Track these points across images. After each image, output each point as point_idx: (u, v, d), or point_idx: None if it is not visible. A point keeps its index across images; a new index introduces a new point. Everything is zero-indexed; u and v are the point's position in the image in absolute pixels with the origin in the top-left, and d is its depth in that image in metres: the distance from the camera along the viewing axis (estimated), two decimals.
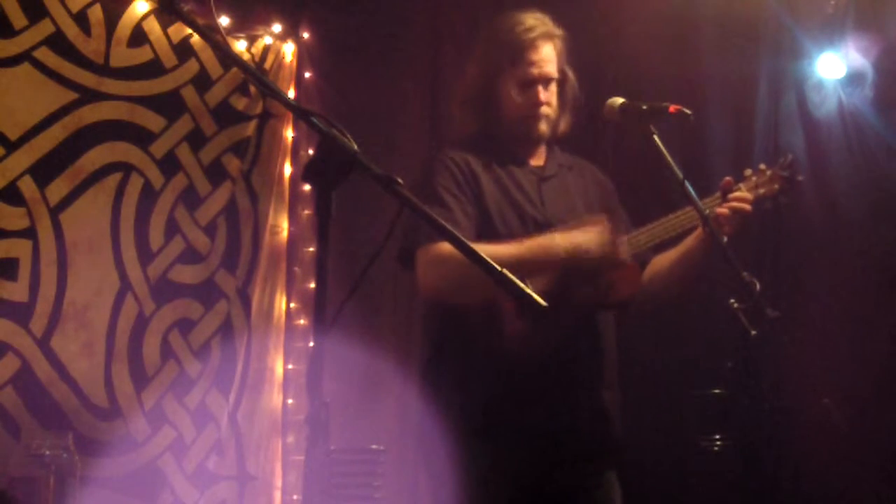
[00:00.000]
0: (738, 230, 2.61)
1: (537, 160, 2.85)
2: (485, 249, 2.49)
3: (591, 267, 2.58)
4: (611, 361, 2.74)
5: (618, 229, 2.64)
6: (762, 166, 2.71)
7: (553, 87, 2.83)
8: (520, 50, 2.78)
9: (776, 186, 2.68)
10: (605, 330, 2.73)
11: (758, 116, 4.19)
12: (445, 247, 2.47)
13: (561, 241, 2.57)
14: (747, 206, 2.61)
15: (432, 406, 2.70)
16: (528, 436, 2.58)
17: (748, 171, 2.71)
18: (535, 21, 2.82)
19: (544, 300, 2.50)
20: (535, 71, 2.78)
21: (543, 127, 2.81)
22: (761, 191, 2.67)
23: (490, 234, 2.64)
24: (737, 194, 2.63)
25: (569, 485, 2.64)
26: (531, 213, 2.71)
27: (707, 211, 2.56)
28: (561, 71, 2.85)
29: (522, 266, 2.51)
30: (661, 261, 2.78)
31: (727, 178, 2.66)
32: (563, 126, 2.88)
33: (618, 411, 2.73)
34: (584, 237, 2.57)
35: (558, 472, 2.62)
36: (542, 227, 2.68)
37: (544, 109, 2.79)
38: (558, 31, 2.85)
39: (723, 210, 2.60)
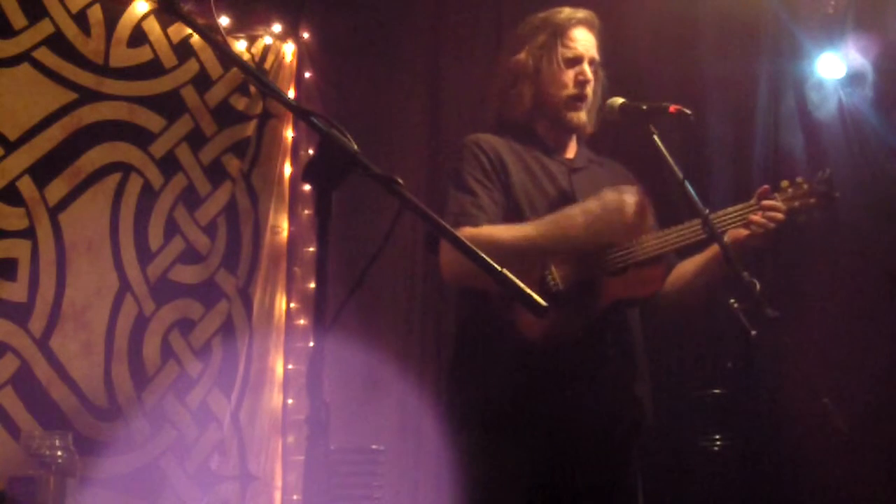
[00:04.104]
0: (769, 241, 2.58)
1: (568, 153, 2.84)
2: (504, 231, 2.53)
3: (611, 237, 2.56)
4: (639, 353, 2.72)
5: (641, 200, 2.58)
6: (799, 179, 2.66)
7: (594, 74, 2.81)
8: (564, 29, 2.79)
9: (812, 200, 2.62)
10: (631, 323, 2.72)
11: (758, 116, 4.18)
12: (469, 232, 2.48)
13: (578, 211, 2.55)
14: (780, 217, 2.58)
15: (455, 399, 2.70)
16: (552, 430, 2.57)
17: (785, 183, 2.66)
18: (576, 8, 2.85)
19: (567, 291, 2.51)
20: (580, 47, 2.78)
21: (584, 115, 2.78)
22: (796, 203, 2.61)
23: (518, 221, 2.63)
24: (770, 203, 2.59)
25: (594, 480, 2.63)
26: (561, 202, 2.68)
27: (716, 217, 2.56)
28: (598, 62, 2.85)
29: (542, 243, 2.53)
30: (686, 266, 2.76)
31: (764, 186, 2.63)
32: (590, 125, 2.85)
33: (649, 403, 2.71)
34: (601, 206, 2.54)
35: (584, 467, 2.61)
36: None
37: (589, 90, 2.77)
38: (598, 25, 2.85)
39: (756, 218, 2.57)
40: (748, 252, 2.57)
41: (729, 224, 2.59)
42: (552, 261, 2.60)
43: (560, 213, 2.57)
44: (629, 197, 2.54)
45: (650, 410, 2.72)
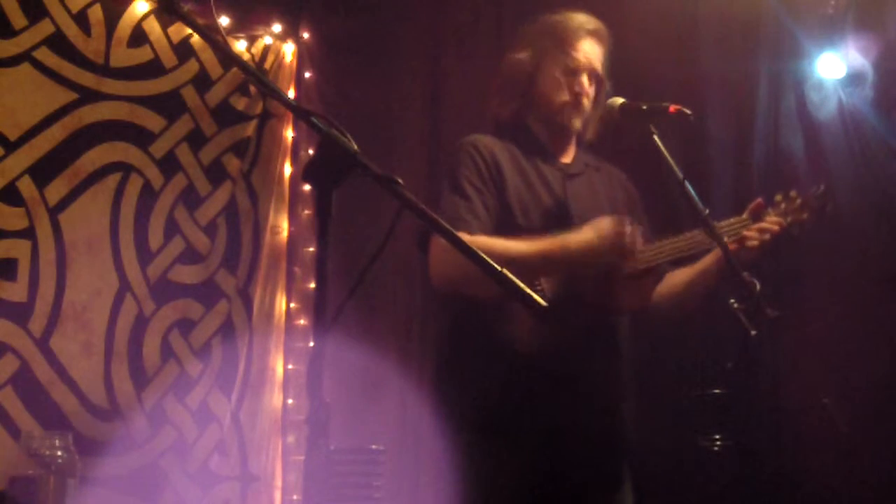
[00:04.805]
0: (762, 255, 2.59)
1: (565, 158, 2.83)
2: (499, 243, 2.51)
3: (602, 266, 2.56)
4: (627, 365, 2.71)
5: (635, 231, 2.61)
6: (793, 193, 2.67)
7: (594, 86, 2.81)
8: (570, 38, 2.78)
9: (805, 216, 2.64)
10: (620, 331, 2.71)
11: (758, 116, 4.18)
12: (462, 237, 2.47)
13: (574, 239, 2.55)
14: (775, 229, 2.59)
15: (444, 403, 2.70)
16: (540, 436, 2.57)
17: (779, 196, 2.67)
18: (588, 18, 2.83)
19: (555, 300, 2.51)
20: (583, 59, 2.77)
21: (578, 122, 2.78)
22: (789, 218, 2.63)
23: (511, 227, 2.62)
24: (768, 220, 2.60)
25: (582, 487, 2.63)
26: (554, 208, 2.68)
27: (724, 227, 2.56)
28: (602, 75, 2.83)
29: (534, 262, 2.52)
30: (678, 276, 2.75)
31: (758, 201, 2.63)
32: (590, 132, 2.85)
33: (632, 415, 2.71)
34: (597, 236, 2.54)
35: (572, 474, 2.61)
36: (565, 222, 2.65)
37: (585, 102, 2.77)
38: (607, 37, 2.84)
39: (750, 233, 2.58)
40: (740, 263, 2.57)
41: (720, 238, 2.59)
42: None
43: (557, 239, 2.55)
44: (623, 227, 2.54)
45: (632, 424, 2.71)
